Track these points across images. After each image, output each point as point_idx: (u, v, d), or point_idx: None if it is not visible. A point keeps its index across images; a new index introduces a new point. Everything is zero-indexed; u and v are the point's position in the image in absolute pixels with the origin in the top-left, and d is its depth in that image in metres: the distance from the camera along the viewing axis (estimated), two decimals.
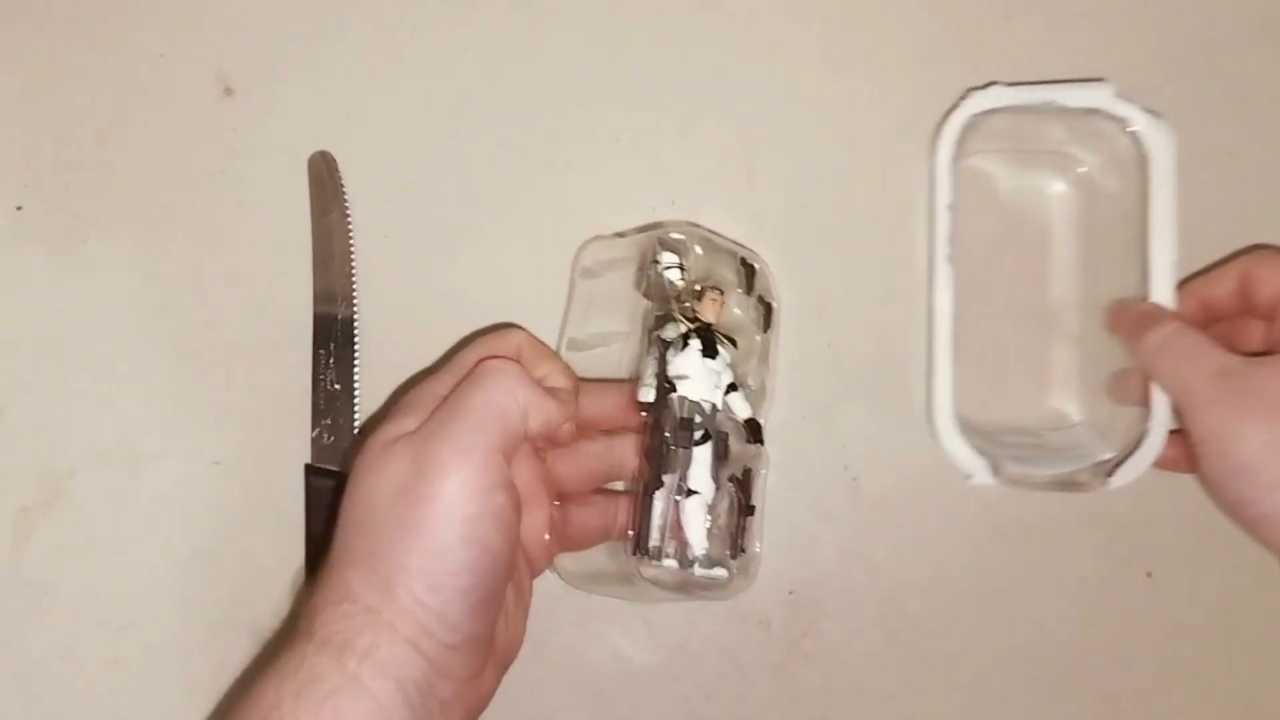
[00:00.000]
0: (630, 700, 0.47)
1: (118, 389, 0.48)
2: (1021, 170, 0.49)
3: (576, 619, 0.47)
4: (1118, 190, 0.47)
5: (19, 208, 0.49)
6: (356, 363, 0.47)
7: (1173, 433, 0.43)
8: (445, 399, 0.39)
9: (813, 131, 0.50)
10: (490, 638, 0.38)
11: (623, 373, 0.44)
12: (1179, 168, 0.44)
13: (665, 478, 0.41)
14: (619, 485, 0.44)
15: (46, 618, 0.47)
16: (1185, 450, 0.42)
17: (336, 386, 0.47)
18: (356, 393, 0.47)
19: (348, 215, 0.48)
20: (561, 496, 0.43)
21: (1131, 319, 0.44)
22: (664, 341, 0.43)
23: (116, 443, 0.48)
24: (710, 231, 0.45)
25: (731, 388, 0.43)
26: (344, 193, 0.48)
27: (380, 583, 0.36)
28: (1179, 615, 0.48)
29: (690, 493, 0.41)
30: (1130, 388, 0.44)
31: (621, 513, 0.42)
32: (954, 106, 0.46)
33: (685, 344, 0.42)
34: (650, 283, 0.44)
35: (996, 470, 0.44)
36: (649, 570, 0.41)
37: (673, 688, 0.47)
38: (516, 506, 0.38)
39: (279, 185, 0.49)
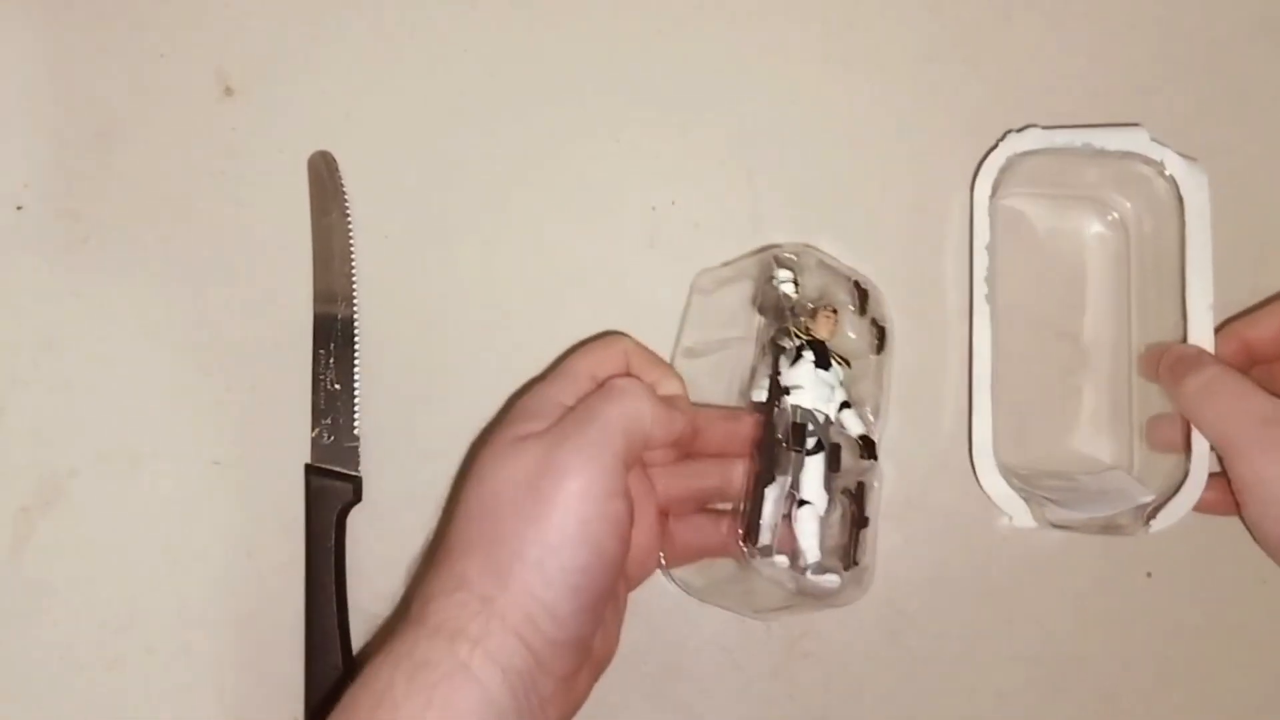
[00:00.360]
0: (630, 700, 0.47)
1: (118, 389, 0.48)
2: (1055, 211, 0.49)
3: None
4: (1153, 232, 0.47)
5: (19, 208, 0.49)
6: (356, 363, 0.47)
7: (1212, 475, 0.43)
8: (576, 407, 0.40)
9: (813, 132, 0.50)
10: (590, 640, 0.39)
11: (737, 378, 0.46)
12: (1214, 210, 0.45)
13: (777, 478, 0.42)
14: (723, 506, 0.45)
15: (46, 618, 0.47)
16: (1226, 494, 0.42)
17: (336, 386, 0.47)
18: (356, 393, 0.47)
19: (348, 215, 0.48)
20: (663, 512, 0.43)
21: (1171, 362, 0.44)
22: (779, 346, 0.44)
23: (116, 443, 0.48)
24: (825, 254, 0.46)
25: (845, 405, 0.44)
26: (344, 193, 0.48)
27: (496, 570, 0.37)
28: (1179, 615, 0.48)
29: (803, 503, 0.42)
30: (1169, 431, 0.44)
31: (722, 531, 0.43)
32: (992, 147, 0.46)
33: (799, 356, 0.43)
34: (765, 298, 0.45)
35: (1036, 513, 0.44)
36: (766, 568, 0.42)
37: (673, 688, 0.47)
38: (630, 516, 0.39)
39: (279, 185, 0.49)
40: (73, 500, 0.47)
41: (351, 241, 0.48)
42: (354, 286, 0.48)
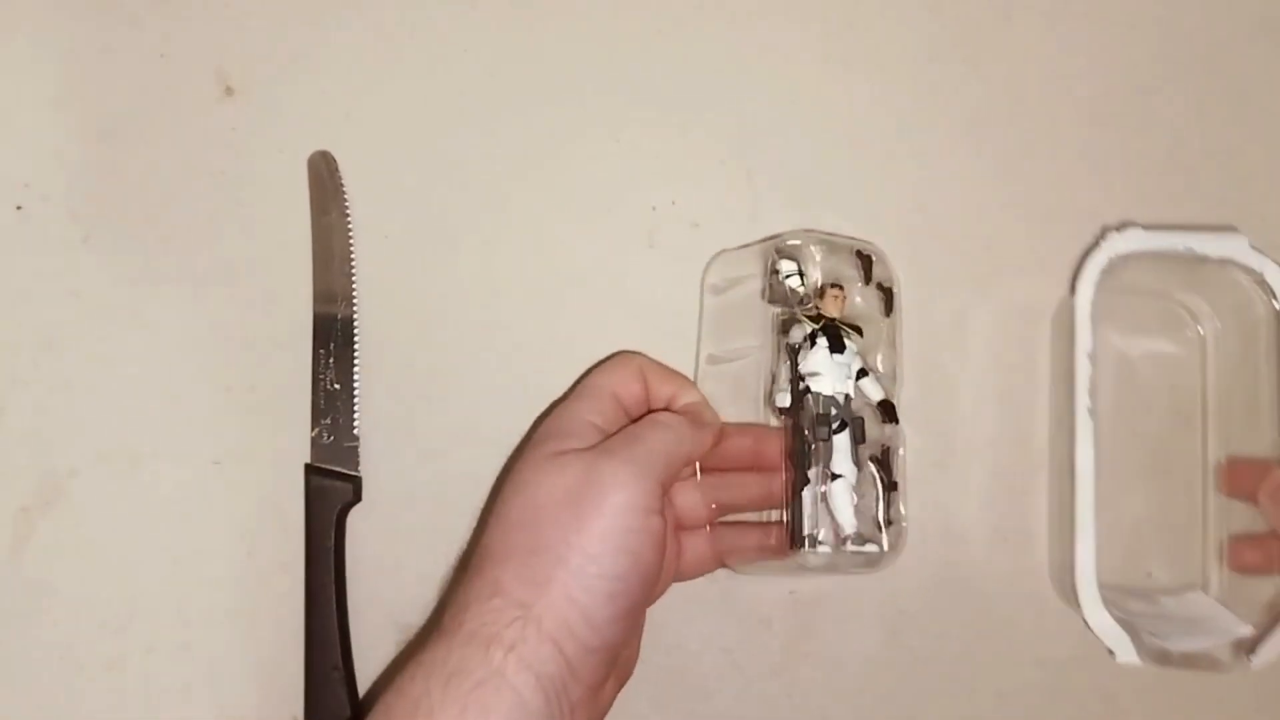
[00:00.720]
0: (630, 700, 0.47)
1: (118, 389, 0.48)
2: (1132, 309, 0.48)
3: None
4: (1240, 340, 0.46)
5: (19, 208, 0.49)
6: (356, 363, 0.47)
7: None
8: (618, 433, 0.42)
9: (813, 132, 0.50)
10: (621, 649, 0.41)
11: (760, 383, 0.46)
12: None
13: (810, 473, 0.43)
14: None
15: (46, 618, 0.47)
16: None
17: (336, 386, 0.47)
18: (356, 393, 0.47)
19: (348, 215, 0.48)
20: (679, 528, 0.44)
21: (1273, 494, 0.42)
22: (792, 348, 0.45)
23: (116, 443, 0.48)
24: (824, 233, 0.46)
25: (862, 373, 0.45)
26: (344, 193, 0.48)
27: (534, 577, 0.38)
28: None
29: (835, 476, 0.44)
30: (1258, 554, 0.43)
31: (770, 539, 0.44)
32: (1092, 246, 0.45)
33: (813, 343, 0.44)
34: (774, 290, 0.46)
35: (1141, 647, 0.42)
36: (811, 560, 0.43)
37: (673, 688, 0.47)
38: (665, 532, 0.40)
39: (279, 185, 0.49)
40: (73, 500, 0.47)
41: (351, 241, 0.48)
42: (354, 286, 0.48)
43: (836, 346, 0.44)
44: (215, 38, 0.50)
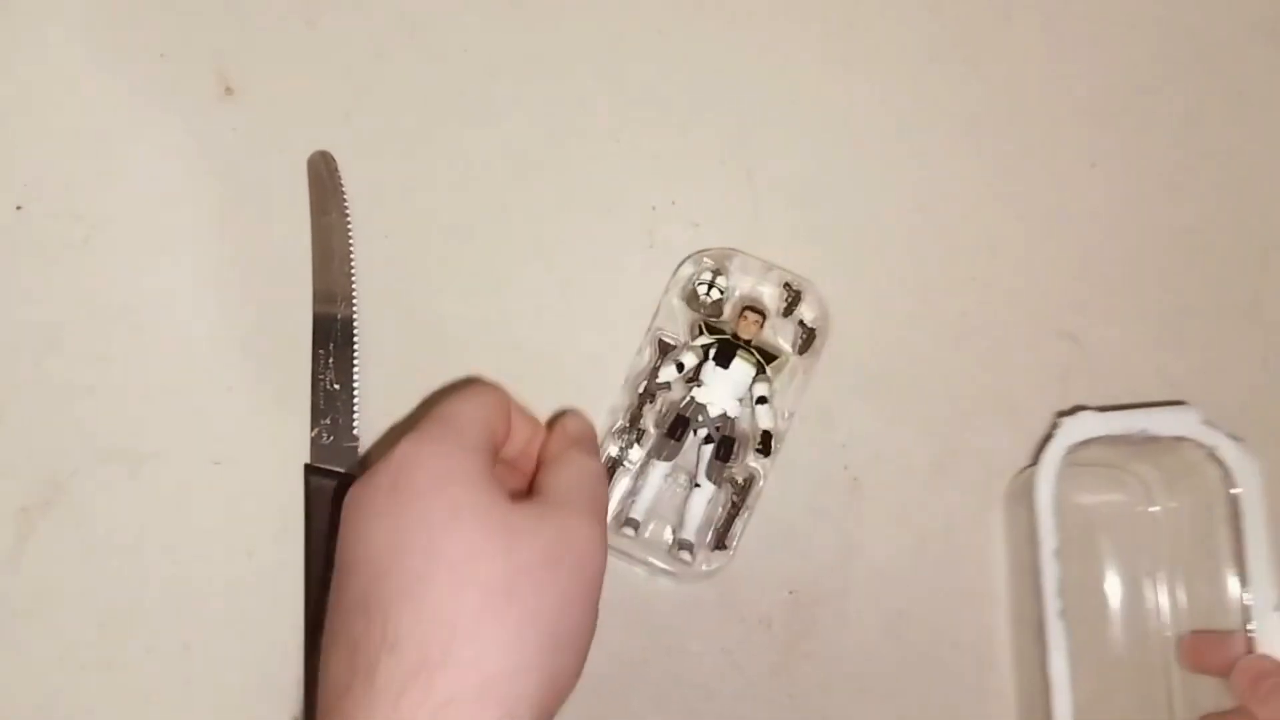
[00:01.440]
0: (631, 702, 0.47)
1: (118, 389, 0.48)
2: (1083, 484, 0.47)
3: None
4: (1195, 515, 0.46)
5: (19, 208, 0.49)
6: (356, 363, 0.47)
7: None
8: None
9: (813, 132, 0.50)
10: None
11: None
12: (1267, 495, 0.43)
13: (656, 463, 0.46)
14: None
15: (46, 618, 0.47)
16: None
17: (336, 386, 0.47)
18: (356, 393, 0.47)
19: (347, 215, 0.48)
20: None
21: (1252, 678, 0.41)
22: (666, 345, 0.47)
23: (116, 443, 0.48)
24: (754, 256, 0.47)
25: (762, 400, 0.46)
26: (344, 193, 0.48)
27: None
28: None
29: (695, 485, 0.46)
30: None
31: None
32: (1047, 437, 0.44)
33: (706, 354, 0.46)
34: (690, 298, 0.47)
35: None
36: (619, 540, 0.45)
37: (673, 689, 0.47)
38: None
39: (279, 185, 0.49)
40: (73, 500, 0.47)
41: (351, 241, 0.48)
42: (354, 286, 0.48)
43: (723, 361, 0.45)
44: (215, 38, 0.50)
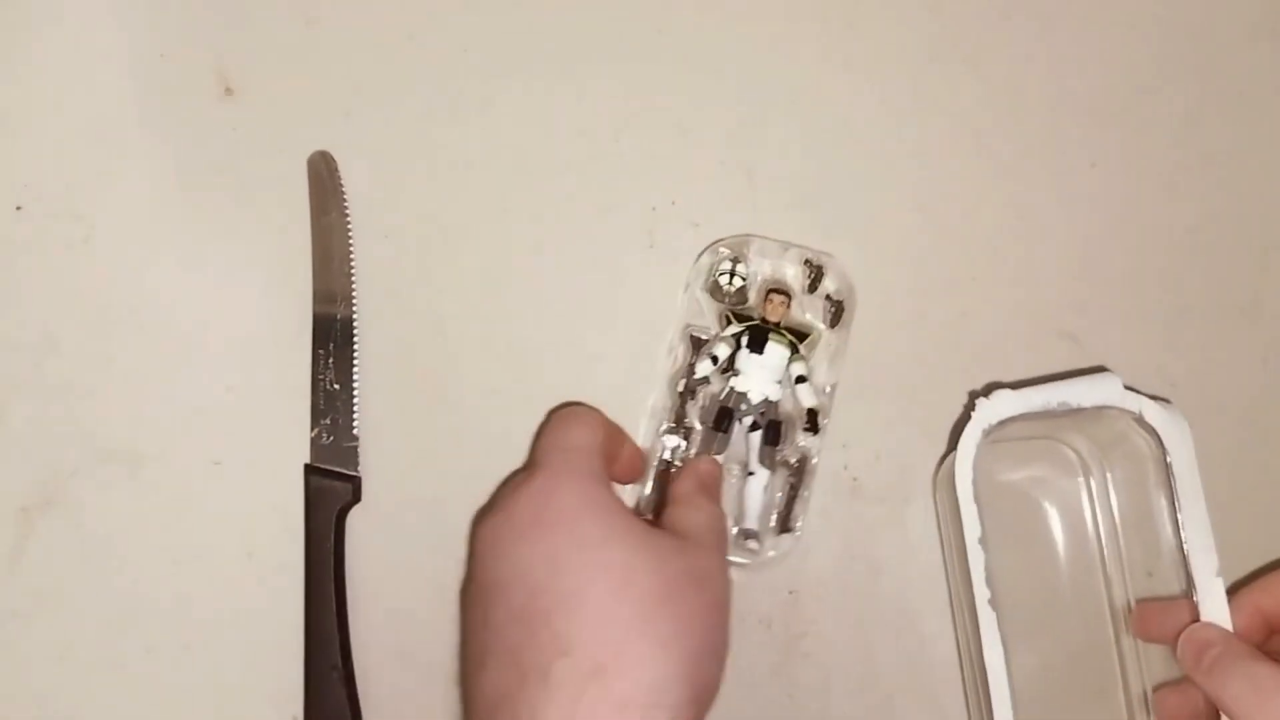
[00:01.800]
0: None
1: (118, 389, 0.48)
2: (1019, 460, 0.47)
3: None
4: (1131, 484, 0.45)
5: (19, 208, 0.49)
6: (356, 363, 0.47)
7: None
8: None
9: (813, 132, 0.50)
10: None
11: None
12: (1199, 457, 0.42)
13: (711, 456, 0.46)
14: None
15: (46, 618, 0.47)
16: None
17: (336, 386, 0.47)
18: (356, 393, 0.47)
19: (347, 215, 0.48)
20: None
21: (1196, 650, 0.41)
22: (697, 340, 0.47)
23: (116, 443, 0.48)
24: (769, 239, 0.47)
25: (801, 379, 0.46)
26: (344, 193, 0.48)
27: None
28: None
29: (750, 474, 0.46)
30: (1191, 704, 0.42)
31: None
32: (963, 419, 0.42)
33: (738, 342, 0.46)
34: (713, 285, 0.47)
35: None
36: None
37: None
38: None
39: (279, 185, 0.49)
40: (73, 500, 0.47)
41: (351, 241, 0.48)
42: (353, 286, 0.48)
43: (756, 347, 0.45)
44: (215, 38, 0.50)
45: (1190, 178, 0.50)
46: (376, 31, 0.50)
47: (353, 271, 0.48)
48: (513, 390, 0.48)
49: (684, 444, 0.46)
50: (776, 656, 0.47)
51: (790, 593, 0.48)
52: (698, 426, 0.46)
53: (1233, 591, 0.42)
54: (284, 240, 0.48)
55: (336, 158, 0.49)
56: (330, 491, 0.46)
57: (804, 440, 0.46)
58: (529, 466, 0.41)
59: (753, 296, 0.47)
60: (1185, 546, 0.41)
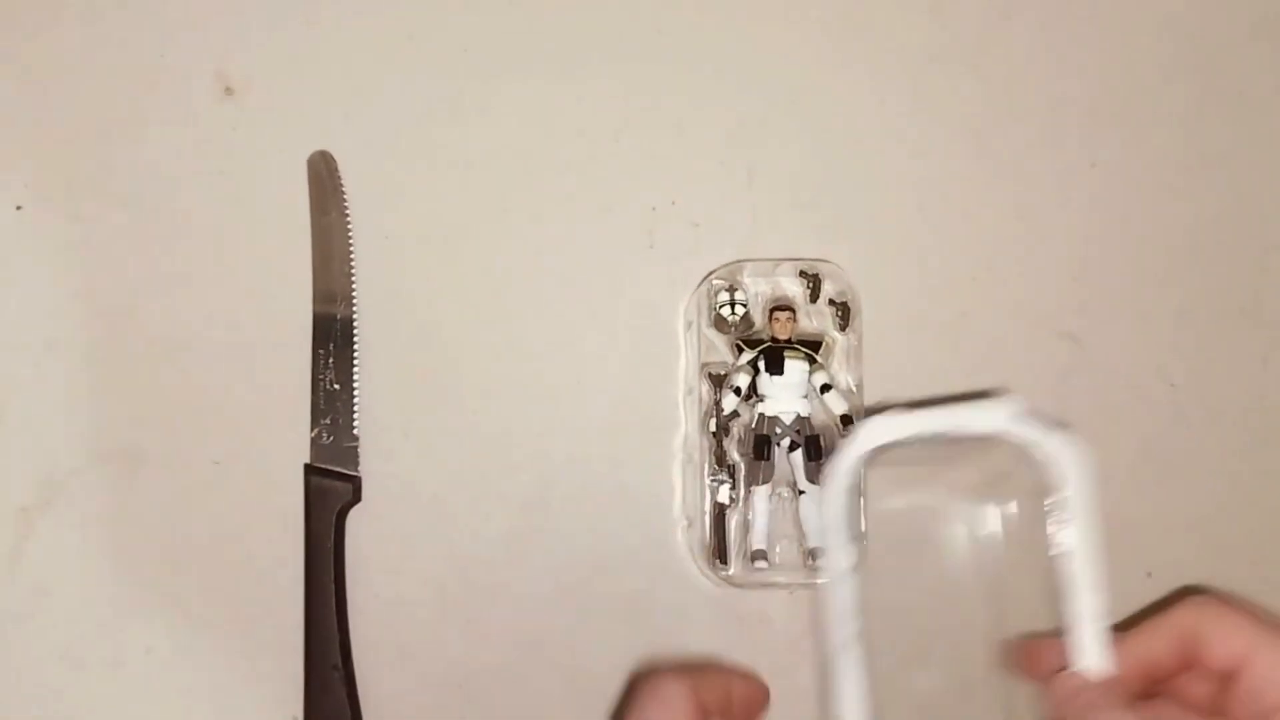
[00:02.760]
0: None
1: (118, 389, 0.48)
2: (904, 486, 0.46)
3: (576, 619, 0.47)
4: (1021, 512, 0.44)
5: (19, 208, 0.49)
6: (356, 363, 0.47)
7: None
8: None
9: (813, 132, 0.50)
10: None
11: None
12: (1093, 487, 0.40)
13: (755, 489, 0.46)
14: None
15: (46, 618, 0.47)
16: None
17: (336, 386, 0.47)
18: (356, 393, 0.47)
19: (347, 215, 0.48)
20: None
21: (1060, 695, 0.40)
22: (716, 376, 0.47)
23: (116, 443, 0.48)
24: (759, 259, 0.47)
25: (826, 388, 0.46)
26: (344, 193, 0.48)
27: None
28: None
29: (800, 493, 0.46)
30: None
31: None
32: (847, 440, 0.40)
33: (755, 368, 0.46)
34: (716, 321, 0.47)
35: None
36: (751, 575, 0.46)
37: None
38: None
39: (279, 185, 0.49)
40: (73, 500, 0.47)
41: (351, 242, 0.48)
42: (354, 286, 0.48)
43: (774, 368, 0.45)
44: (215, 38, 0.50)
45: (1190, 178, 0.50)
46: (376, 32, 0.50)
47: (353, 271, 0.48)
48: (512, 391, 0.48)
49: (733, 489, 0.46)
50: (776, 656, 0.47)
51: (790, 593, 0.48)
52: (739, 461, 0.46)
53: (1126, 628, 0.40)
54: (284, 240, 0.48)
55: (336, 158, 0.49)
56: (330, 491, 0.46)
57: None
58: None
59: (758, 319, 0.47)
60: (1073, 583, 0.39)
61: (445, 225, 0.49)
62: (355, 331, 0.48)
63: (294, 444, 0.47)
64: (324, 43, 0.50)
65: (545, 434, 0.47)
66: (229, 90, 0.49)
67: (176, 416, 0.48)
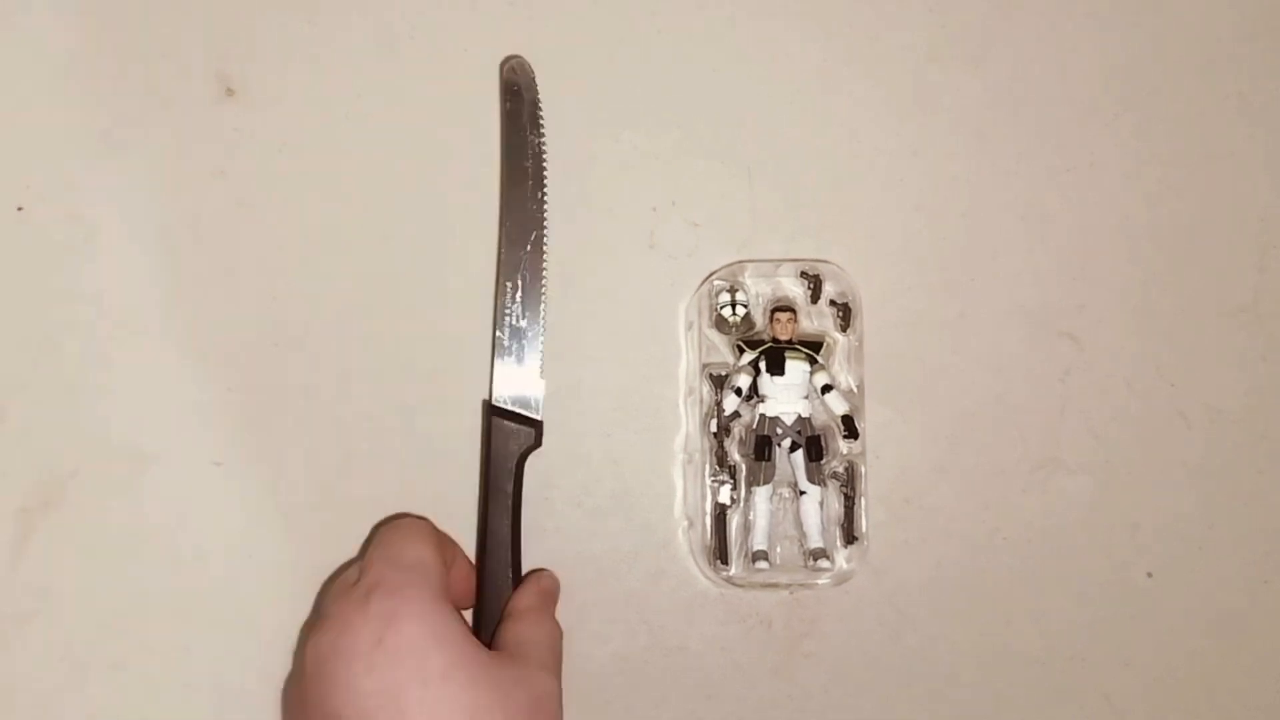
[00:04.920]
0: (631, 700, 0.47)
1: (118, 389, 0.48)
2: None
3: (577, 619, 0.47)
4: None
5: (19, 208, 0.49)
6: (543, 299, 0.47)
7: None
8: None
9: (813, 131, 0.50)
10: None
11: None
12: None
13: (756, 490, 0.46)
14: None
15: (47, 618, 0.47)
16: None
17: (523, 323, 0.46)
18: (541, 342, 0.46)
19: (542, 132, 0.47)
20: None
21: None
22: (717, 377, 0.47)
23: (117, 443, 0.48)
24: (760, 260, 0.48)
25: (827, 388, 0.46)
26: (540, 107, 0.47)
27: None
28: (1179, 615, 0.48)
29: (801, 493, 0.46)
30: None
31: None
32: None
33: (757, 369, 0.46)
34: (718, 320, 0.47)
35: None
36: (753, 575, 0.46)
37: (673, 688, 0.47)
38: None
39: (279, 185, 0.49)
40: (73, 500, 0.47)
41: (546, 168, 0.48)
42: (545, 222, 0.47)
43: (775, 369, 0.46)
44: (215, 38, 0.50)
45: (1190, 178, 0.50)
46: (377, 32, 0.50)
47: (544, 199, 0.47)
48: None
49: (734, 489, 0.46)
50: (776, 656, 0.47)
51: (790, 593, 0.48)
52: (740, 461, 0.46)
53: None
54: (284, 240, 0.48)
55: (336, 157, 0.49)
56: (512, 434, 0.45)
57: (846, 447, 0.46)
58: (363, 582, 0.39)
59: (759, 320, 0.47)
60: None
61: (444, 225, 0.49)
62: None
63: (294, 444, 0.47)
64: (324, 43, 0.50)
65: (545, 434, 0.47)
66: (229, 90, 0.49)
67: (176, 417, 0.48)
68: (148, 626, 0.47)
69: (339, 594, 0.39)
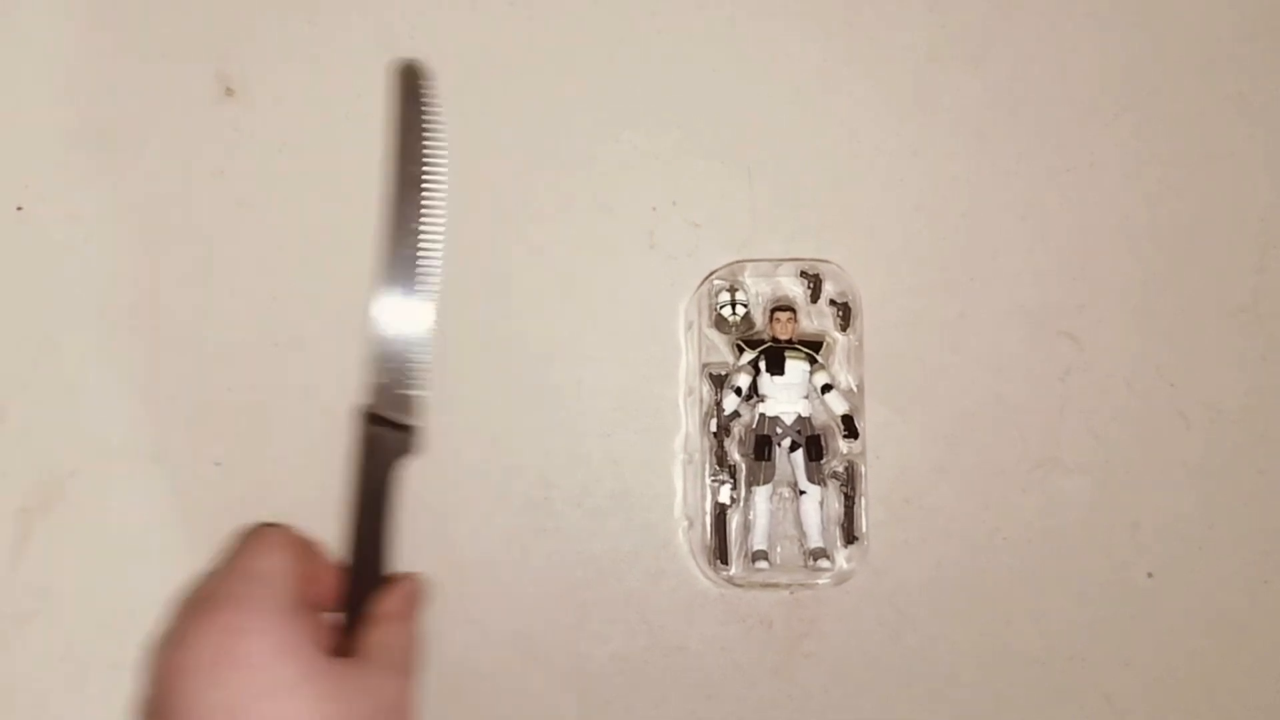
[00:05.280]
0: (631, 700, 0.47)
1: (118, 389, 0.48)
2: None
3: (577, 619, 0.47)
4: None
5: (19, 208, 0.49)
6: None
7: None
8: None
9: (813, 131, 0.50)
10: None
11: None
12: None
13: (756, 490, 0.46)
14: None
15: (46, 618, 0.47)
16: None
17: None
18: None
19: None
20: None
21: None
22: (717, 377, 0.47)
23: (116, 443, 0.48)
24: (760, 260, 0.48)
25: (827, 388, 0.46)
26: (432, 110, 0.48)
27: None
28: (1179, 615, 0.48)
29: (801, 493, 0.46)
30: None
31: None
32: None
33: (756, 368, 0.46)
34: (717, 319, 0.47)
35: None
36: (753, 575, 0.46)
37: (673, 688, 0.47)
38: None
39: (279, 185, 0.49)
40: (73, 500, 0.47)
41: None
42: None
43: (775, 369, 0.46)
44: (215, 38, 0.50)
45: (1190, 178, 0.50)
46: (376, 32, 0.50)
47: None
48: (511, 390, 0.48)
49: (734, 489, 0.46)
50: (776, 656, 0.47)
51: (790, 593, 0.48)
52: (739, 461, 0.46)
53: None
54: (284, 240, 0.48)
55: (336, 158, 0.49)
56: (388, 440, 0.45)
57: (845, 447, 0.46)
58: (210, 594, 0.39)
59: (759, 319, 0.47)
60: None
61: (445, 225, 0.49)
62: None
63: (293, 444, 0.47)
64: (324, 43, 0.50)
65: (545, 434, 0.47)
66: (229, 90, 0.49)
67: (176, 417, 0.48)
68: (148, 626, 0.47)
69: (184, 608, 0.40)
